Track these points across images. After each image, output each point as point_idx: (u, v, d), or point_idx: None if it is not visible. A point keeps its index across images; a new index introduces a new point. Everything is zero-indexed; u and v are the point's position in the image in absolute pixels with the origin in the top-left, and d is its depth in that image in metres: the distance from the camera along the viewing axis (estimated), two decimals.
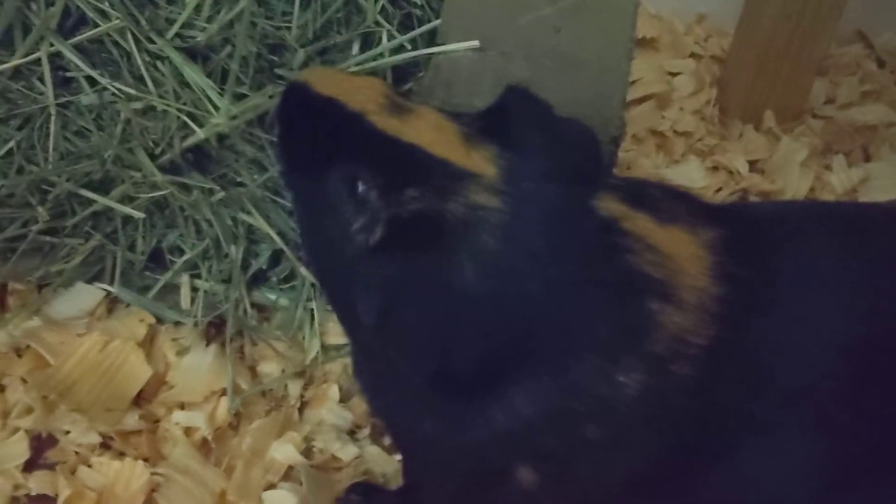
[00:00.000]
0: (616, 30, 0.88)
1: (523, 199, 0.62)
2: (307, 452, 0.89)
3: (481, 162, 0.63)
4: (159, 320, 0.94)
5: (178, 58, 0.87)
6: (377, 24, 0.89)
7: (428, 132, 0.64)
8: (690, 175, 1.20)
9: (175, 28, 0.86)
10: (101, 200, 0.87)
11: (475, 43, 0.86)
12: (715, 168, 1.24)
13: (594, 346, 0.61)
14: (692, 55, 1.45)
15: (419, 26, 0.94)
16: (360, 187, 0.62)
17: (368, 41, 0.92)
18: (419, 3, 0.91)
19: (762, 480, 0.64)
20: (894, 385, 0.64)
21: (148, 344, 0.92)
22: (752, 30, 1.28)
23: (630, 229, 0.62)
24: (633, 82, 1.34)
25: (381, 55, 0.90)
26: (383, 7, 0.90)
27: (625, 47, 0.88)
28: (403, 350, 0.65)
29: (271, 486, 0.86)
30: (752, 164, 1.25)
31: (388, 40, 0.90)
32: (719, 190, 1.20)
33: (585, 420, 0.62)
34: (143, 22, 0.86)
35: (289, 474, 0.87)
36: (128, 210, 0.87)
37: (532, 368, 0.62)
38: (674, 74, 1.39)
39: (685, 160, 1.25)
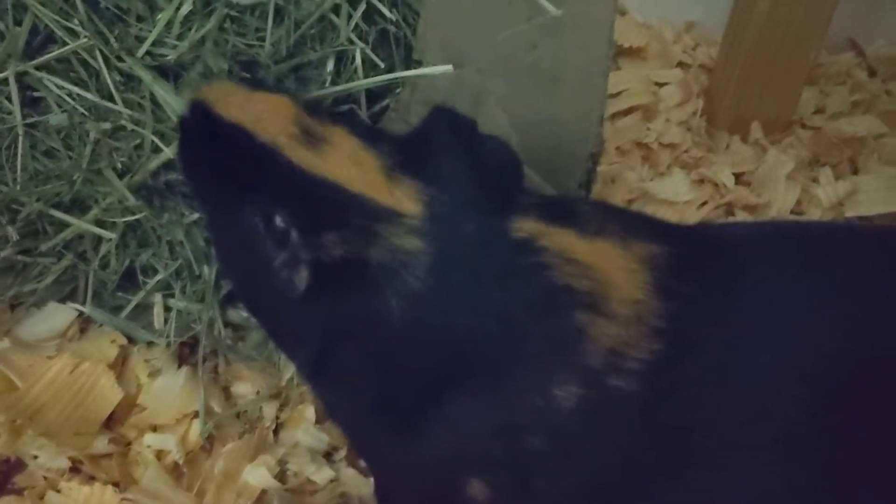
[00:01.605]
0: (593, 46, 0.86)
1: (443, 235, 0.62)
2: (281, 475, 0.88)
3: (404, 199, 0.62)
4: (132, 341, 0.93)
5: (148, 77, 0.85)
6: (350, 41, 0.88)
7: (346, 166, 0.63)
8: (675, 188, 1.19)
9: (145, 46, 0.85)
10: (72, 222, 0.86)
11: (449, 67, 0.85)
12: (700, 181, 1.22)
13: (526, 362, 0.62)
14: (680, 64, 1.44)
15: (395, 43, 0.93)
16: (278, 223, 0.61)
17: (343, 58, 0.91)
18: (394, 19, 0.90)
19: (721, 501, 0.64)
20: (856, 406, 0.63)
21: (119, 365, 0.91)
22: (739, 40, 1.27)
23: (547, 246, 0.63)
24: (619, 93, 1.33)
25: (356, 79, 0.89)
26: (357, 24, 0.88)
27: (602, 63, 0.87)
28: (343, 384, 0.66)
29: None
30: (739, 177, 1.24)
31: (362, 59, 0.88)
32: (704, 204, 1.19)
33: (526, 432, 0.62)
34: (113, 40, 0.85)
35: (262, 498, 0.86)
36: (99, 231, 0.86)
37: (470, 388, 0.62)
38: (661, 85, 1.38)
39: (670, 173, 1.23)
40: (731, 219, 1.18)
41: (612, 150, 1.27)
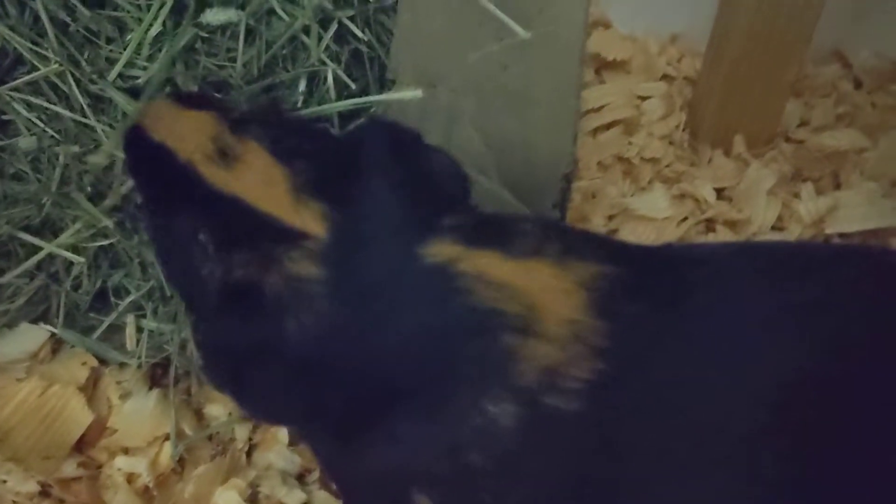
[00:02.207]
0: (563, 67, 0.86)
1: (345, 261, 0.62)
2: (253, 498, 0.88)
3: (309, 220, 0.62)
4: (103, 362, 0.93)
5: (121, 99, 0.85)
6: (322, 62, 0.88)
7: (256, 185, 0.63)
8: (655, 204, 1.18)
9: (117, 69, 0.85)
10: (42, 245, 0.86)
11: (418, 92, 0.85)
12: (681, 196, 1.22)
13: (459, 382, 0.62)
14: (664, 77, 1.43)
15: (368, 62, 0.93)
16: (201, 237, 0.63)
17: (315, 78, 0.90)
18: (366, 39, 0.89)
19: None
20: (805, 428, 0.63)
21: (90, 387, 0.91)
22: (721, 53, 1.26)
23: (466, 269, 0.63)
24: (601, 108, 1.33)
25: (328, 99, 0.89)
26: (328, 45, 0.88)
27: (573, 84, 0.87)
28: (259, 400, 0.67)
29: None
30: (720, 192, 1.23)
31: (333, 78, 0.88)
32: (685, 220, 1.18)
33: (468, 451, 0.62)
34: (84, 63, 0.84)
35: None
36: (69, 256, 0.86)
37: (406, 408, 0.63)
38: (644, 98, 1.37)
39: (651, 188, 1.23)
40: (711, 235, 1.18)
41: (593, 164, 1.26)
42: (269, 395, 0.66)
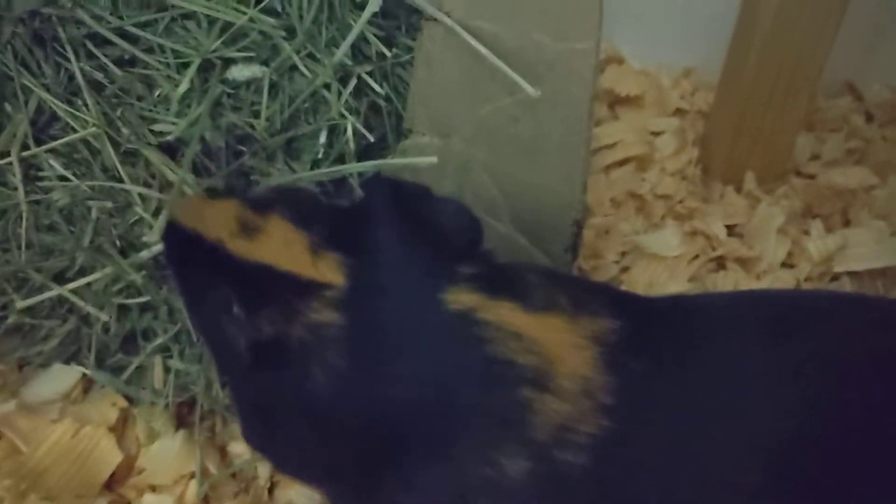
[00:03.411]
0: (572, 121, 0.89)
1: (366, 306, 0.65)
2: None
3: (327, 271, 0.66)
4: (132, 401, 0.97)
5: (156, 158, 0.89)
6: (341, 115, 0.91)
7: (277, 248, 0.67)
8: (667, 241, 1.21)
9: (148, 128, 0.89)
10: (73, 299, 0.90)
11: (433, 159, 0.88)
12: (693, 233, 1.24)
13: (474, 434, 0.64)
14: (677, 111, 1.46)
15: (386, 113, 0.96)
16: (235, 309, 0.66)
17: (336, 130, 0.94)
18: (384, 93, 0.93)
19: None
20: (816, 485, 0.65)
21: (120, 427, 0.95)
22: (732, 89, 1.29)
23: (487, 318, 0.65)
24: (614, 144, 1.36)
25: (347, 150, 0.92)
26: (347, 99, 0.92)
27: (581, 136, 0.90)
28: (290, 456, 0.70)
29: None
30: (731, 229, 1.26)
31: (353, 132, 0.92)
32: (696, 257, 1.21)
33: (478, 500, 0.65)
34: (119, 123, 0.89)
35: None
36: (95, 312, 0.90)
37: (424, 456, 0.66)
38: (656, 134, 1.40)
39: (664, 224, 1.25)
40: (721, 273, 1.20)
41: (606, 201, 1.29)
42: (302, 449, 0.69)
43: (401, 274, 0.67)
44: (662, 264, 1.18)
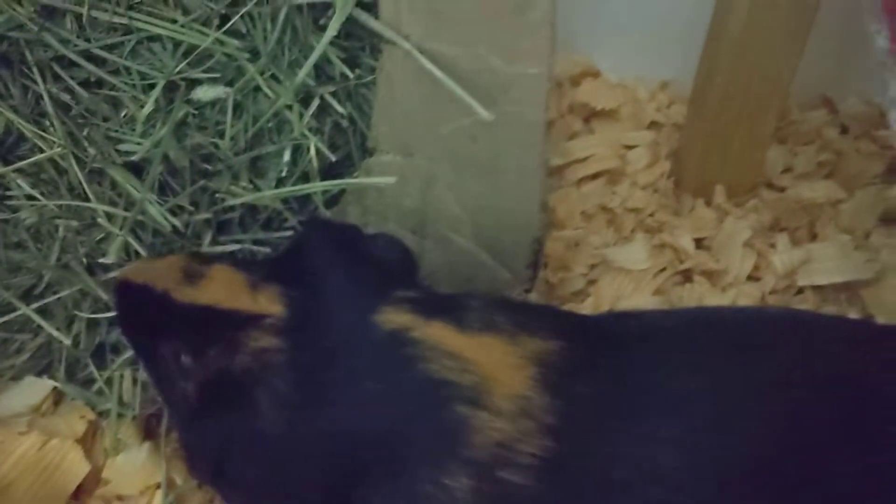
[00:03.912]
0: (527, 142, 0.91)
1: (305, 331, 0.68)
2: None
3: (267, 303, 0.70)
4: (101, 414, 0.99)
5: (120, 177, 0.91)
6: (304, 135, 0.94)
7: (219, 290, 0.71)
8: (634, 254, 1.22)
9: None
10: (41, 322, 0.93)
11: (392, 179, 0.90)
12: (662, 246, 1.26)
13: (416, 454, 0.67)
14: (653, 124, 1.48)
15: (351, 132, 0.99)
16: (182, 357, 0.70)
17: (300, 149, 0.96)
18: (345, 114, 0.95)
19: None
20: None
21: (89, 439, 0.97)
22: (702, 104, 1.30)
23: (420, 338, 0.68)
24: (586, 158, 1.37)
25: (311, 168, 0.94)
26: (311, 118, 0.94)
27: (536, 157, 0.92)
28: (243, 489, 0.73)
29: None
30: (700, 242, 1.27)
31: (316, 152, 0.94)
32: (663, 270, 1.22)
33: None
34: (84, 141, 0.91)
35: None
36: (57, 335, 0.93)
37: (375, 480, 0.68)
38: (630, 147, 1.42)
39: (633, 237, 1.27)
40: (688, 285, 1.22)
41: (577, 214, 1.31)
42: (249, 483, 0.72)
43: (336, 298, 0.70)
44: (629, 277, 1.20)
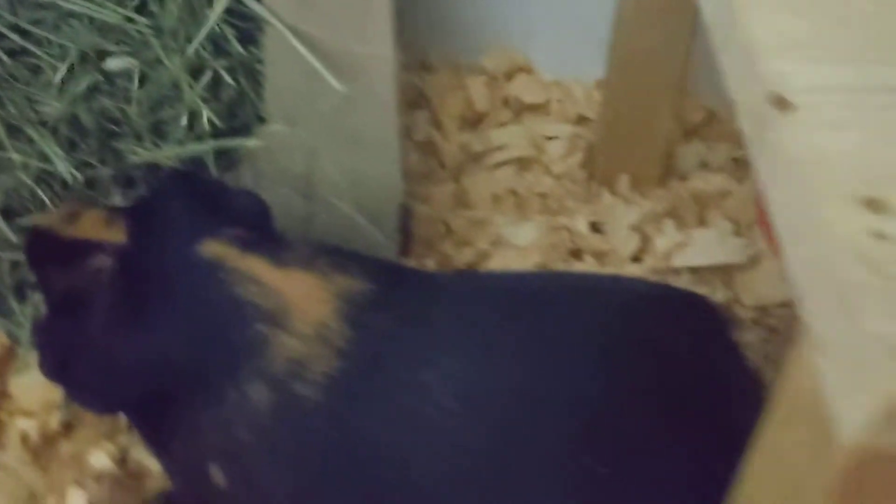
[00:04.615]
0: (382, 116, 1.03)
1: (138, 256, 0.81)
2: (123, 460, 1.06)
3: (114, 234, 0.83)
4: (17, 341, 1.13)
5: (35, 134, 1.06)
6: (195, 103, 1.07)
7: (84, 226, 0.86)
8: (527, 234, 1.32)
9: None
10: None
11: (256, 142, 1.03)
12: (558, 228, 1.36)
13: (220, 365, 0.79)
14: (580, 118, 1.57)
15: (249, 104, 1.11)
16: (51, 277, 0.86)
17: (196, 116, 1.09)
18: (235, 85, 1.08)
19: None
20: (520, 443, 0.76)
21: (3, 363, 1.11)
22: (608, 97, 1.40)
23: (234, 266, 0.80)
24: (503, 146, 1.48)
25: (205, 135, 1.08)
26: (206, 88, 1.07)
27: (392, 130, 1.04)
28: (86, 392, 0.87)
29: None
30: (595, 226, 1.37)
31: (208, 122, 1.07)
32: (553, 248, 1.32)
33: (236, 425, 0.78)
34: (6, 101, 1.06)
35: (100, 480, 1.04)
36: None
37: (186, 389, 0.80)
38: (550, 138, 1.51)
39: (533, 219, 1.37)
40: (578, 263, 1.31)
41: (487, 196, 1.41)
42: (84, 382, 0.85)
43: (168, 230, 0.82)
44: (517, 252, 1.30)
